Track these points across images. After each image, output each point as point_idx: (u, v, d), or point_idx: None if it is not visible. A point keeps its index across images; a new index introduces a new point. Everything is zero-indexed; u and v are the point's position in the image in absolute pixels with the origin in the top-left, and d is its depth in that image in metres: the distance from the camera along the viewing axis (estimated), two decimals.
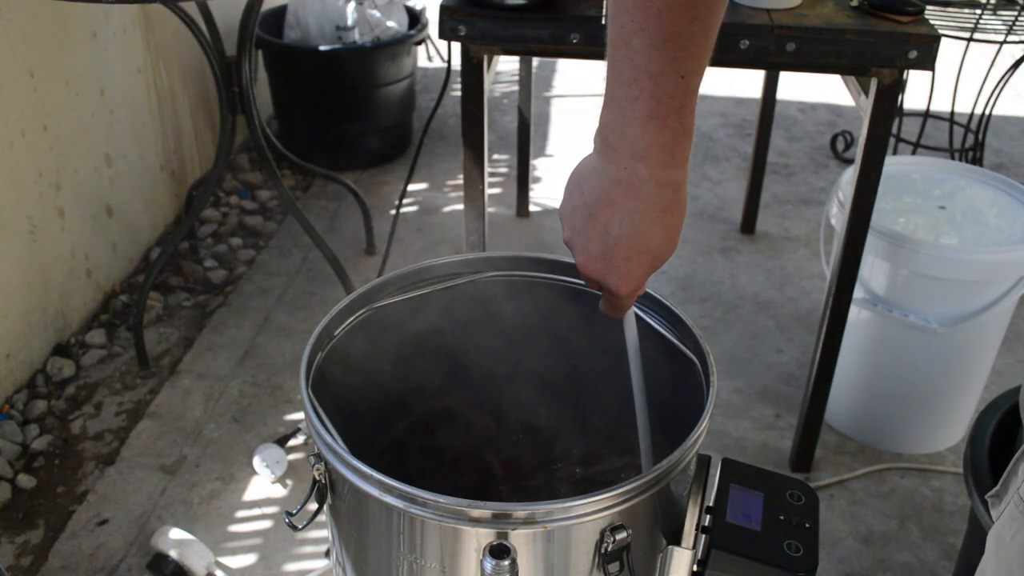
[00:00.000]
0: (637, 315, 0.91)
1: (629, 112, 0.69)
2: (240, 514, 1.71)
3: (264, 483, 1.77)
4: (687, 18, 0.66)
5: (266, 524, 1.68)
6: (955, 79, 2.53)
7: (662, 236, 0.73)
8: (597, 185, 0.72)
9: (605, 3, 0.70)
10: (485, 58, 1.48)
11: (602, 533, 0.71)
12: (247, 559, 1.62)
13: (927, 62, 1.40)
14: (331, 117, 2.81)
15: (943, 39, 1.43)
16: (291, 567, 1.61)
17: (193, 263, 2.41)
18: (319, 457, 0.77)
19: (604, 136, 0.71)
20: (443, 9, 1.44)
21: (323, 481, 0.78)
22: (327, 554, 1.61)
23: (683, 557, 0.79)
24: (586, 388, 1.02)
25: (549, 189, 2.80)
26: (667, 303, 0.91)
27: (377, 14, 2.80)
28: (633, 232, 0.72)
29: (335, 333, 0.89)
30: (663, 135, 0.69)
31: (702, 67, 0.69)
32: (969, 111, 2.68)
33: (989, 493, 0.79)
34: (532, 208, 2.69)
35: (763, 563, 0.75)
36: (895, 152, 2.75)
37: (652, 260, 0.74)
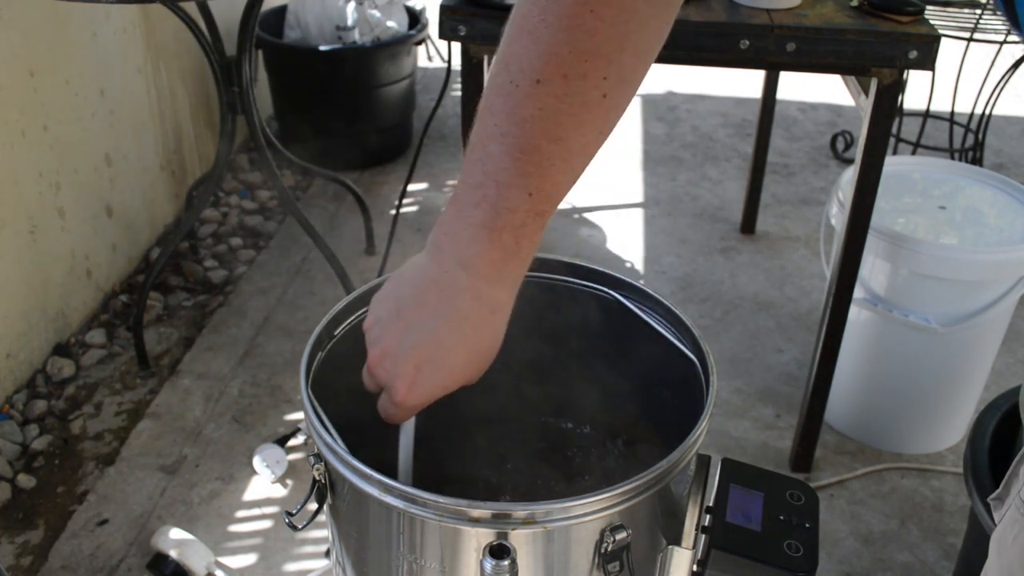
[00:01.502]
0: (636, 314, 0.91)
1: (466, 216, 0.65)
2: (240, 514, 1.71)
3: (264, 483, 1.77)
4: (550, 135, 0.62)
5: (266, 524, 1.68)
6: (955, 79, 2.53)
7: (463, 356, 0.68)
8: (414, 281, 0.68)
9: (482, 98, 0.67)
10: (485, 58, 1.48)
11: (602, 533, 0.70)
12: (247, 559, 1.62)
13: (927, 62, 1.40)
14: (331, 117, 2.80)
15: (943, 39, 1.43)
16: (291, 567, 1.61)
17: (193, 263, 2.41)
18: (319, 457, 0.77)
19: (436, 235, 0.67)
20: (443, 9, 1.44)
21: (323, 481, 0.78)
22: (327, 554, 1.61)
23: (683, 557, 0.79)
24: (586, 388, 1.02)
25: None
26: (667, 303, 0.91)
27: (377, 14, 2.80)
28: (434, 341, 0.67)
29: (335, 333, 0.89)
30: (493, 250, 0.65)
31: (556, 193, 0.65)
32: (969, 111, 2.68)
33: (991, 496, 0.79)
34: None
35: (763, 563, 0.75)
36: (895, 152, 2.75)
37: (445, 379, 0.69)
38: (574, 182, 0.65)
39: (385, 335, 0.69)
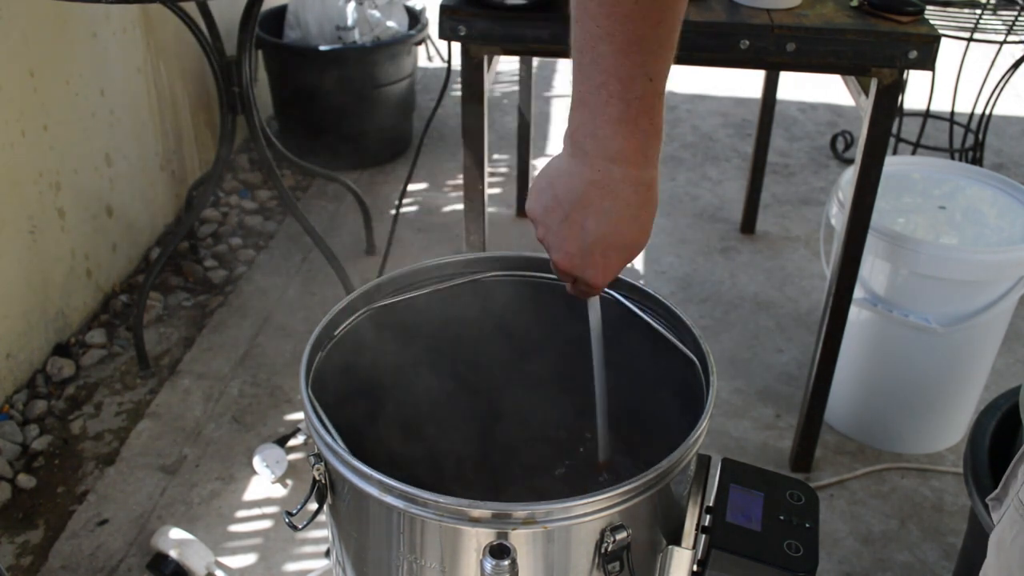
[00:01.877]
0: (636, 314, 0.91)
1: (600, 116, 0.69)
2: (240, 514, 1.71)
3: (264, 483, 1.77)
4: (652, 22, 0.66)
5: (266, 524, 1.68)
6: (955, 79, 2.53)
7: (637, 231, 0.75)
8: (571, 186, 0.73)
9: (570, 3, 0.70)
10: (485, 58, 1.48)
11: (602, 533, 0.71)
12: (247, 559, 1.62)
13: (927, 62, 1.40)
14: (331, 117, 2.80)
15: (943, 39, 1.43)
16: (291, 567, 1.61)
17: (193, 263, 2.41)
18: (319, 457, 0.77)
19: (576, 139, 0.72)
20: (443, 9, 1.44)
21: (323, 481, 0.78)
22: (327, 554, 1.61)
23: (683, 557, 0.79)
24: (586, 388, 1.02)
25: None
26: (667, 303, 0.91)
27: (377, 14, 2.80)
28: (610, 230, 0.74)
29: (335, 333, 0.89)
30: (635, 138, 0.70)
31: (668, 67, 0.70)
32: (969, 111, 2.68)
33: (990, 496, 0.79)
34: None
35: (763, 563, 0.75)
36: (895, 152, 2.75)
37: (628, 254, 0.77)
38: (676, 47, 0.70)
39: (564, 240, 0.76)
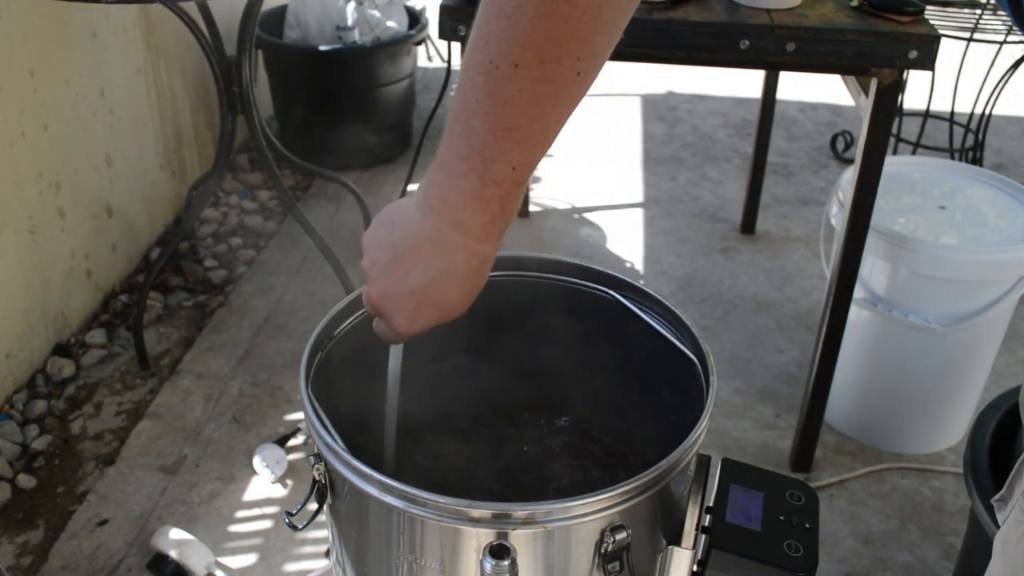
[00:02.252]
0: (636, 314, 0.91)
1: (456, 184, 0.70)
2: (240, 514, 1.71)
3: (264, 483, 1.77)
4: (530, 114, 0.66)
5: (266, 524, 1.68)
6: (955, 79, 2.53)
7: (457, 298, 0.76)
8: (409, 234, 0.74)
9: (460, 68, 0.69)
10: None
11: (602, 533, 0.70)
12: (247, 559, 1.62)
13: (927, 62, 1.40)
14: (331, 117, 2.80)
15: (943, 39, 1.43)
16: (291, 567, 1.61)
17: (193, 263, 2.41)
18: (319, 457, 0.77)
19: (427, 196, 0.73)
20: (443, 9, 1.44)
21: (323, 481, 0.78)
22: (327, 554, 1.61)
23: (683, 557, 0.79)
24: (586, 388, 1.02)
25: (549, 189, 2.80)
26: (667, 303, 0.91)
27: (377, 14, 2.80)
28: (431, 288, 0.74)
29: (335, 333, 0.89)
30: (483, 215, 0.71)
31: (536, 161, 0.70)
32: (969, 111, 2.68)
33: (994, 497, 0.79)
34: (532, 208, 2.70)
35: (763, 563, 0.75)
36: (895, 152, 2.75)
37: (440, 314, 0.77)
38: (551, 146, 0.71)
39: (386, 278, 0.76)
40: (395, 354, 0.86)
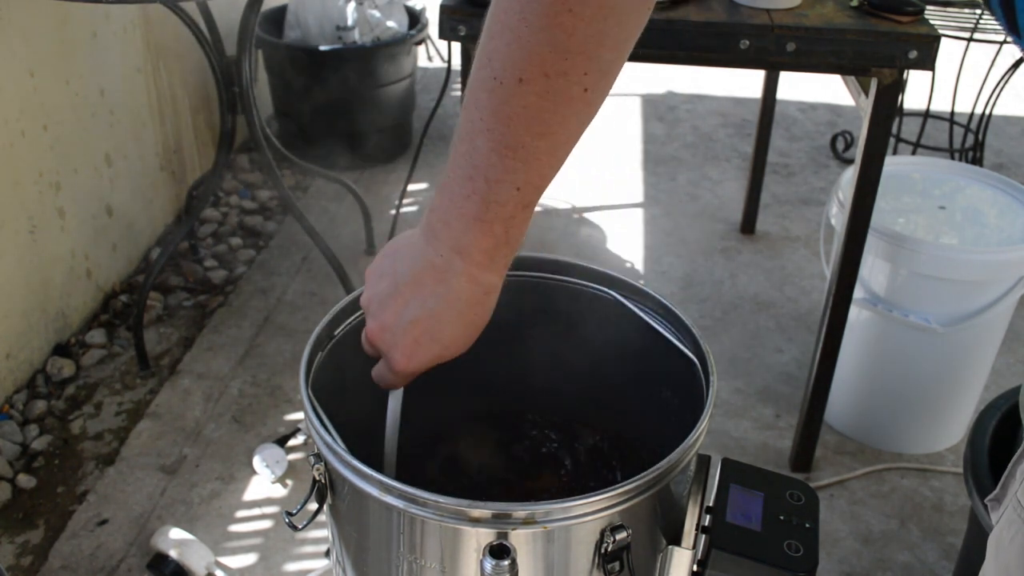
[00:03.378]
0: (636, 314, 0.91)
1: (459, 208, 0.68)
2: (240, 514, 1.71)
3: (264, 483, 1.77)
4: (534, 132, 0.64)
5: (266, 524, 1.68)
6: (955, 79, 2.53)
7: (459, 331, 0.72)
8: (411, 261, 0.71)
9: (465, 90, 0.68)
10: None
11: (602, 533, 0.70)
12: (247, 559, 1.62)
13: (927, 62, 1.40)
14: (331, 117, 2.81)
15: (943, 39, 1.43)
16: (291, 567, 1.61)
17: (193, 263, 2.41)
18: (319, 457, 0.77)
19: (430, 221, 0.70)
20: (443, 9, 1.44)
21: (323, 481, 0.78)
22: (327, 554, 1.61)
23: (683, 557, 0.79)
24: (586, 388, 1.02)
25: (549, 189, 2.79)
26: (667, 303, 0.91)
27: (377, 14, 2.80)
28: (431, 318, 0.71)
29: (335, 333, 0.89)
30: (486, 239, 0.68)
31: (543, 183, 0.68)
32: (969, 111, 2.68)
33: (988, 497, 0.79)
34: None
35: (763, 563, 0.75)
36: (895, 152, 2.75)
37: (441, 351, 0.73)
38: (560, 169, 0.68)
39: (384, 310, 0.73)
40: (394, 400, 0.83)
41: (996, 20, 0.46)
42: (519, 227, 0.69)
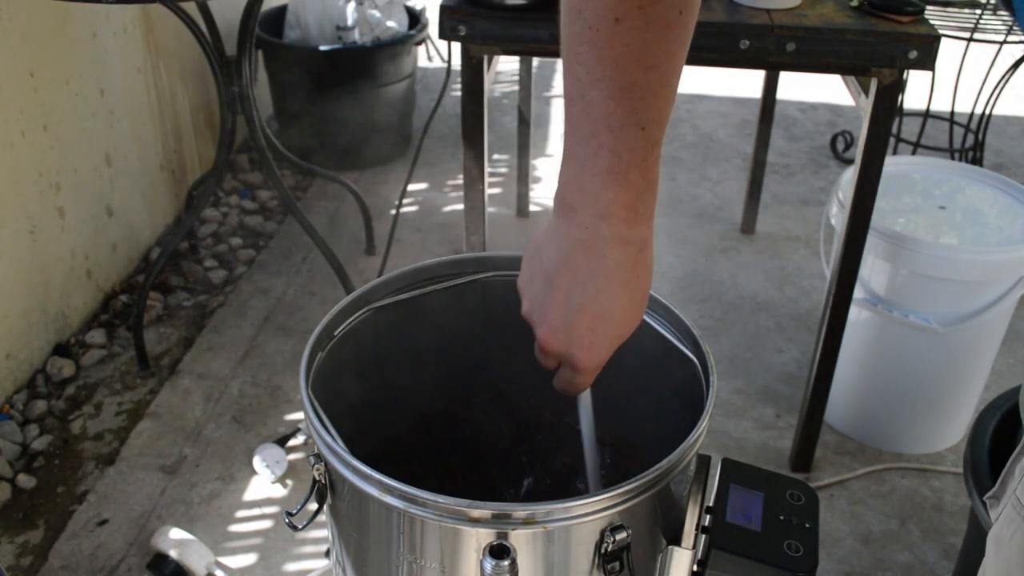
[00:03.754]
0: None
1: (589, 168, 0.65)
2: (240, 514, 1.71)
3: (264, 483, 1.77)
4: (644, 65, 0.62)
5: (266, 524, 1.68)
6: (955, 79, 2.53)
7: (628, 301, 0.68)
8: (557, 248, 0.68)
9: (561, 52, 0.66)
10: (485, 58, 1.48)
11: (602, 533, 0.70)
12: (247, 559, 1.62)
13: (927, 62, 1.40)
14: (331, 117, 2.80)
15: (943, 39, 1.43)
16: (291, 567, 1.61)
17: (193, 263, 2.41)
18: (319, 457, 0.77)
19: (563, 196, 0.67)
20: (443, 9, 1.44)
21: (323, 481, 0.78)
22: (327, 554, 1.61)
23: (683, 557, 0.79)
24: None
25: (549, 189, 2.80)
26: (667, 303, 0.91)
27: (377, 14, 2.80)
28: (597, 297, 0.67)
29: (335, 333, 0.89)
30: (625, 191, 0.65)
31: (664, 117, 0.65)
32: (969, 111, 2.68)
33: (987, 494, 0.79)
34: (532, 208, 2.69)
35: (763, 563, 0.75)
36: (895, 152, 2.75)
37: (618, 329, 0.69)
38: (674, 99, 0.66)
39: (547, 311, 0.69)
40: (585, 406, 0.78)
41: (1004, 10, 0.45)
42: (653, 169, 0.66)
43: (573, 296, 0.67)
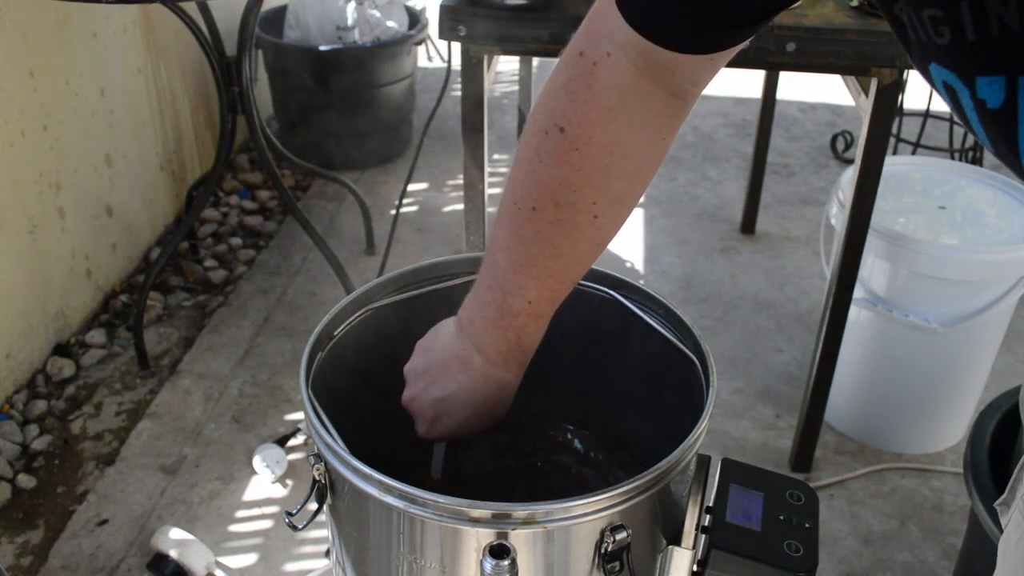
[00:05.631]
0: (636, 314, 0.91)
1: (480, 312, 0.76)
2: (240, 514, 1.71)
3: (264, 483, 1.77)
4: (547, 253, 0.70)
5: (266, 524, 1.68)
6: None
7: (473, 416, 0.81)
8: (443, 347, 0.80)
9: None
10: (485, 58, 1.48)
11: (602, 533, 0.70)
12: (247, 559, 1.62)
13: None
14: (331, 117, 2.81)
15: None
16: (291, 567, 1.61)
17: (193, 263, 2.41)
18: (319, 457, 0.77)
19: (460, 317, 0.79)
20: (443, 9, 1.44)
21: (323, 481, 0.78)
22: (327, 554, 1.61)
23: (683, 557, 0.79)
24: (586, 388, 1.02)
25: None
26: (667, 303, 0.91)
27: (377, 14, 2.80)
28: (451, 401, 0.80)
29: (335, 333, 0.89)
30: (500, 343, 0.76)
31: (556, 297, 0.74)
32: None
33: (997, 501, 0.79)
34: None
35: (763, 563, 0.75)
36: (895, 152, 2.75)
37: (457, 428, 0.82)
38: (574, 285, 0.75)
39: (416, 383, 0.83)
40: (437, 454, 0.91)
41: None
42: (531, 336, 0.76)
43: (437, 387, 0.81)
